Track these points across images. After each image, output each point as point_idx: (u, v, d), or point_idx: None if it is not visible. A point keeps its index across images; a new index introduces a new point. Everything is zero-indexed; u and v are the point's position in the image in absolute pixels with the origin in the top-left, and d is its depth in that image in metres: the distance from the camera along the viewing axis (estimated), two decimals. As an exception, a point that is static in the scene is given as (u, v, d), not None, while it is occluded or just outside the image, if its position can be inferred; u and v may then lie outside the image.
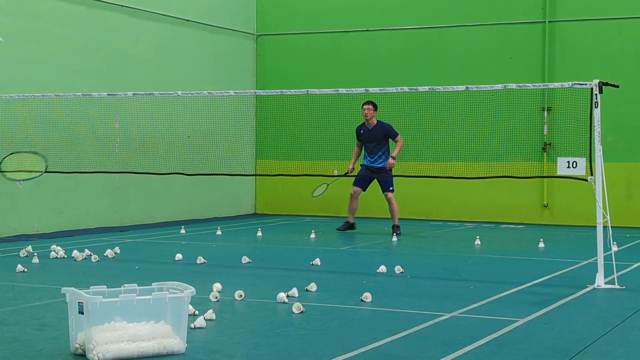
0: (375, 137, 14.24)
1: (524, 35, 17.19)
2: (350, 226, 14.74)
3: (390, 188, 14.36)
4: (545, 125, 16.84)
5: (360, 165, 14.49)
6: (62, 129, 14.52)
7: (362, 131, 14.41)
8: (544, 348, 6.24)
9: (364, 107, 14.28)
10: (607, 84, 9.35)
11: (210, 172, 14.27)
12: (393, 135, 14.26)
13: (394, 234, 14.30)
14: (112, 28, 15.74)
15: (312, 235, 14.12)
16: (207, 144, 15.48)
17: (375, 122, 14.35)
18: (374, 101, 14.38)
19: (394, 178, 14.35)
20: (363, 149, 14.51)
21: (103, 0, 15.47)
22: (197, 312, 7.18)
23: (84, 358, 5.83)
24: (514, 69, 17.05)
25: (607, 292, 8.74)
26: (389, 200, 14.42)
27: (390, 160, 14.13)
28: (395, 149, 14.21)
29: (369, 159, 14.37)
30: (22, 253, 11.27)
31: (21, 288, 8.80)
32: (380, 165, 14.25)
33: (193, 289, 6.07)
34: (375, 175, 14.26)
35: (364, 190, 14.63)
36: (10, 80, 13.77)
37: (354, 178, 14.56)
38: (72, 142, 14.64)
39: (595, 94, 9.22)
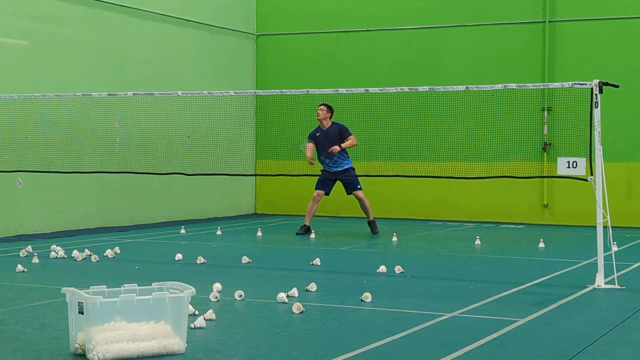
0: (330, 138, 14.08)
1: (524, 35, 17.19)
2: (307, 230, 14.47)
3: (359, 186, 14.32)
4: (545, 125, 16.84)
5: (321, 171, 14.29)
6: (62, 129, 14.52)
7: (318, 134, 14.25)
8: (544, 348, 6.24)
9: (318, 108, 14.27)
10: (607, 84, 9.34)
11: (210, 172, 14.26)
12: (347, 135, 14.15)
13: (375, 232, 14.46)
14: (112, 28, 15.74)
15: (312, 235, 14.12)
16: (207, 144, 15.48)
17: (331, 123, 14.33)
18: (330, 104, 14.46)
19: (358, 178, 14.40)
20: (315, 153, 14.40)
21: (103, 0, 15.47)
22: (197, 312, 7.18)
23: (84, 358, 5.83)
24: (514, 69, 17.05)
25: (607, 292, 8.74)
26: (360, 199, 14.33)
27: (336, 147, 13.91)
28: (346, 142, 14.05)
29: (327, 162, 14.21)
30: (22, 253, 11.27)
31: (21, 288, 8.79)
32: (342, 168, 14.18)
33: (193, 289, 6.07)
34: (339, 177, 14.25)
35: (327, 194, 14.54)
36: (10, 80, 13.76)
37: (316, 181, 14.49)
38: (72, 142, 14.64)
39: (595, 94, 9.22)
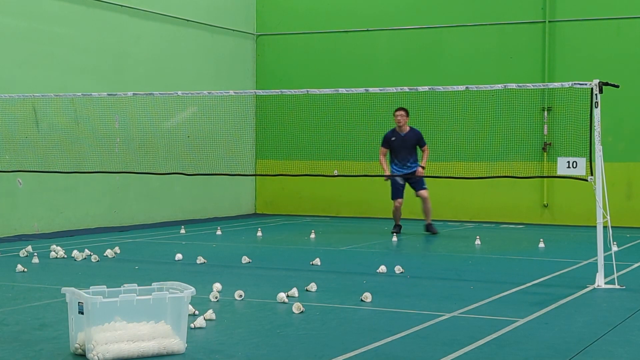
0: (408, 144, 14.17)
1: (524, 35, 17.19)
2: (400, 228, 14.52)
3: (424, 186, 14.28)
4: (545, 125, 16.84)
5: (386, 177, 14.23)
6: (62, 129, 14.52)
7: (393, 138, 14.22)
8: (544, 348, 6.24)
9: (397, 113, 14.15)
10: (607, 84, 9.34)
11: (210, 172, 14.26)
12: (422, 143, 14.25)
13: (432, 232, 14.33)
14: (112, 28, 15.75)
15: (312, 235, 14.11)
16: (207, 144, 15.49)
17: (408, 128, 14.28)
18: (405, 107, 14.34)
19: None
20: (388, 155, 14.33)
21: (103, 0, 15.48)
22: (197, 312, 7.18)
23: (84, 358, 5.83)
24: (514, 69, 17.05)
25: (607, 292, 8.74)
26: (424, 198, 14.30)
27: (420, 170, 14.01)
28: (423, 158, 14.16)
29: (399, 166, 14.19)
30: (22, 253, 11.27)
31: (21, 288, 8.80)
32: (412, 170, 14.14)
33: (193, 289, 6.07)
34: (408, 178, 14.18)
35: (403, 197, 14.47)
36: (10, 80, 13.77)
37: (389, 189, 14.43)
38: (72, 142, 14.64)
39: (595, 94, 9.22)
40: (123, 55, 15.97)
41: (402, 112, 14.19)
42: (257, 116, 18.93)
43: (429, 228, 14.53)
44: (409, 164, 14.18)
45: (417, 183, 14.28)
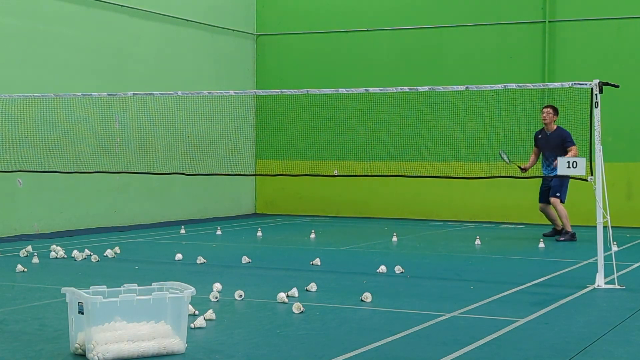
0: (552, 144, 13.38)
1: (524, 35, 17.19)
2: (558, 232, 13.74)
3: (557, 194, 13.39)
4: (546, 125, 16.82)
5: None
6: (62, 129, 14.53)
7: (540, 136, 13.59)
8: (544, 348, 6.24)
9: (543, 110, 13.55)
10: (607, 84, 9.35)
11: (210, 172, 14.27)
12: (568, 144, 13.27)
13: (562, 239, 13.54)
14: (112, 28, 15.75)
15: (312, 235, 14.11)
16: (207, 144, 15.49)
17: (555, 127, 13.52)
18: (554, 105, 13.67)
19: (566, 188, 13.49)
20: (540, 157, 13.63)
21: (103, 0, 15.48)
22: (197, 312, 7.18)
23: (84, 358, 5.83)
24: (514, 69, 17.05)
25: (607, 292, 8.74)
26: (554, 206, 13.52)
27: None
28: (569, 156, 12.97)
29: (544, 166, 13.50)
30: (22, 253, 11.27)
31: (21, 288, 8.80)
32: (554, 172, 13.03)
33: (193, 289, 6.07)
34: (548, 180, 13.46)
35: (548, 202, 13.63)
36: (10, 80, 13.77)
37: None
38: (72, 142, 14.64)
39: (595, 94, 9.22)
40: (123, 55, 15.97)
41: (548, 110, 13.47)
42: (257, 116, 18.93)
43: (561, 233, 13.77)
44: (553, 168, 13.08)
45: (550, 190, 13.47)
